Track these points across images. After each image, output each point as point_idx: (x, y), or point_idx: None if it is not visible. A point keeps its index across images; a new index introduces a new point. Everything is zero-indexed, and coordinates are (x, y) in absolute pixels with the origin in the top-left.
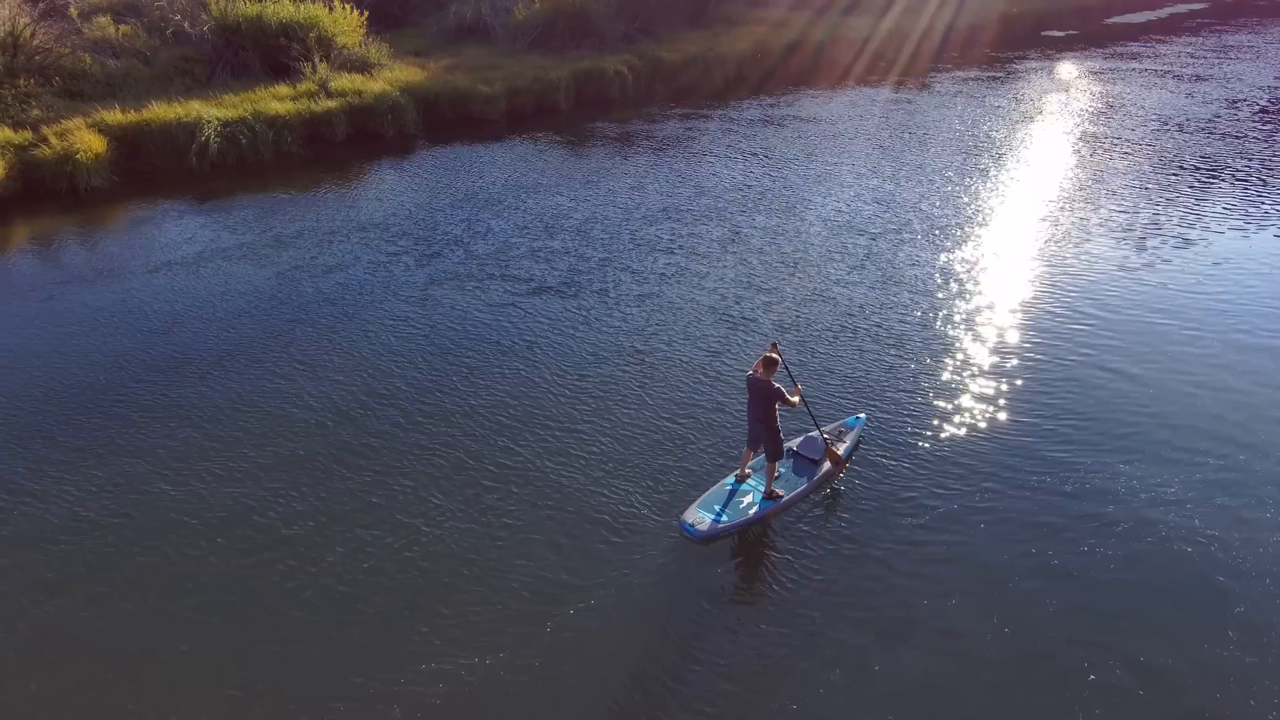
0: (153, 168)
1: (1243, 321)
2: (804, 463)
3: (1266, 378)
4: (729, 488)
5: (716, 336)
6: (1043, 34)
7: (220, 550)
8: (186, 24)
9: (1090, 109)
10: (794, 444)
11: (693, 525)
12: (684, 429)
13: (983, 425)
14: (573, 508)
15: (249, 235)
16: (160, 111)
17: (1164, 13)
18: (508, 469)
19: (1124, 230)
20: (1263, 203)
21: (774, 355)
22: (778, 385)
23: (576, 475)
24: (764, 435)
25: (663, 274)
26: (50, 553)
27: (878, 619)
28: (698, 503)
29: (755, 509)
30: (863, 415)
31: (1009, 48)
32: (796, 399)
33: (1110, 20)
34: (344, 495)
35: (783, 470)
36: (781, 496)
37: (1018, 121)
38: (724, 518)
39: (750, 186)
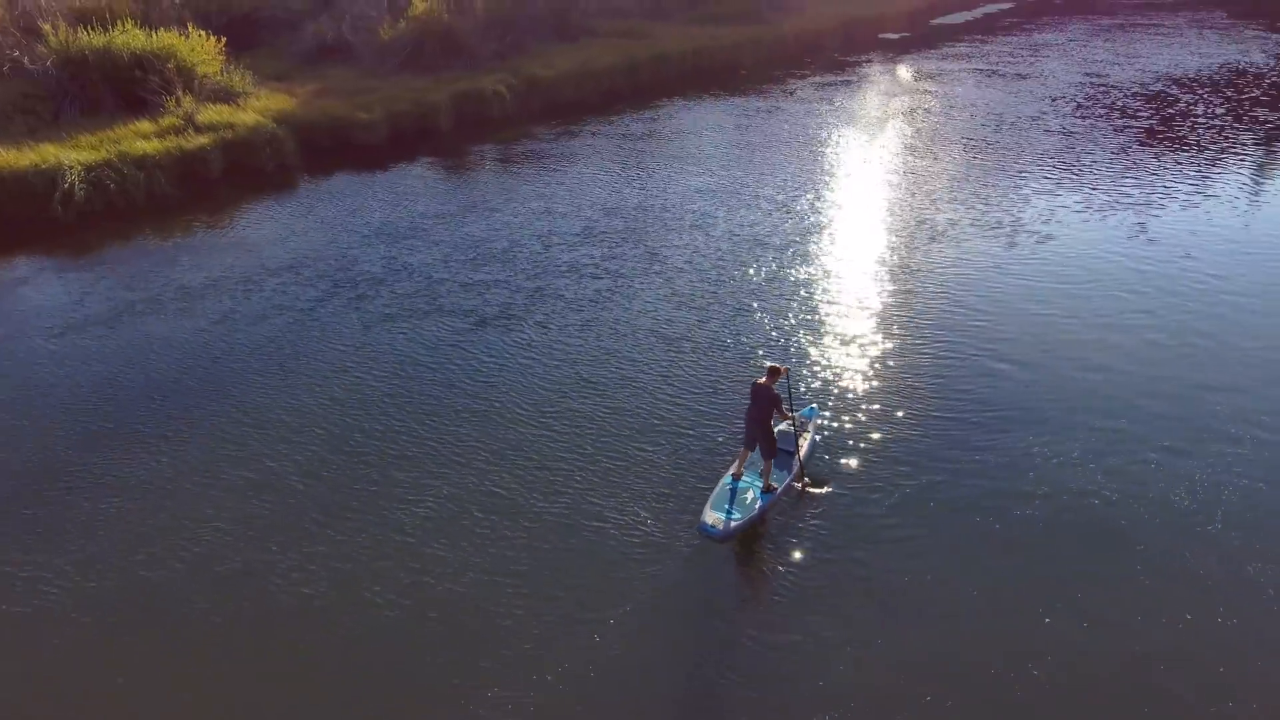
0: (9, 220)
1: (1104, 305)
2: (783, 455)
3: (1131, 353)
4: (729, 487)
5: (662, 359)
6: (880, 36)
7: (223, 626)
8: (25, 59)
9: (939, 110)
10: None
11: (713, 526)
12: (653, 448)
13: (909, 419)
14: (574, 539)
15: (150, 289)
16: (11, 158)
17: (978, 13)
18: (499, 509)
19: (992, 228)
20: (1100, 194)
21: (778, 367)
22: (778, 392)
23: (566, 505)
24: (760, 436)
25: (595, 300)
26: None
27: (871, 604)
28: (709, 504)
29: (759, 503)
30: (814, 405)
31: (854, 51)
32: (789, 417)
33: (935, 21)
34: (340, 555)
35: (751, 456)
36: (775, 489)
37: (876, 125)
38: (735, 515)
39: (654, 203)
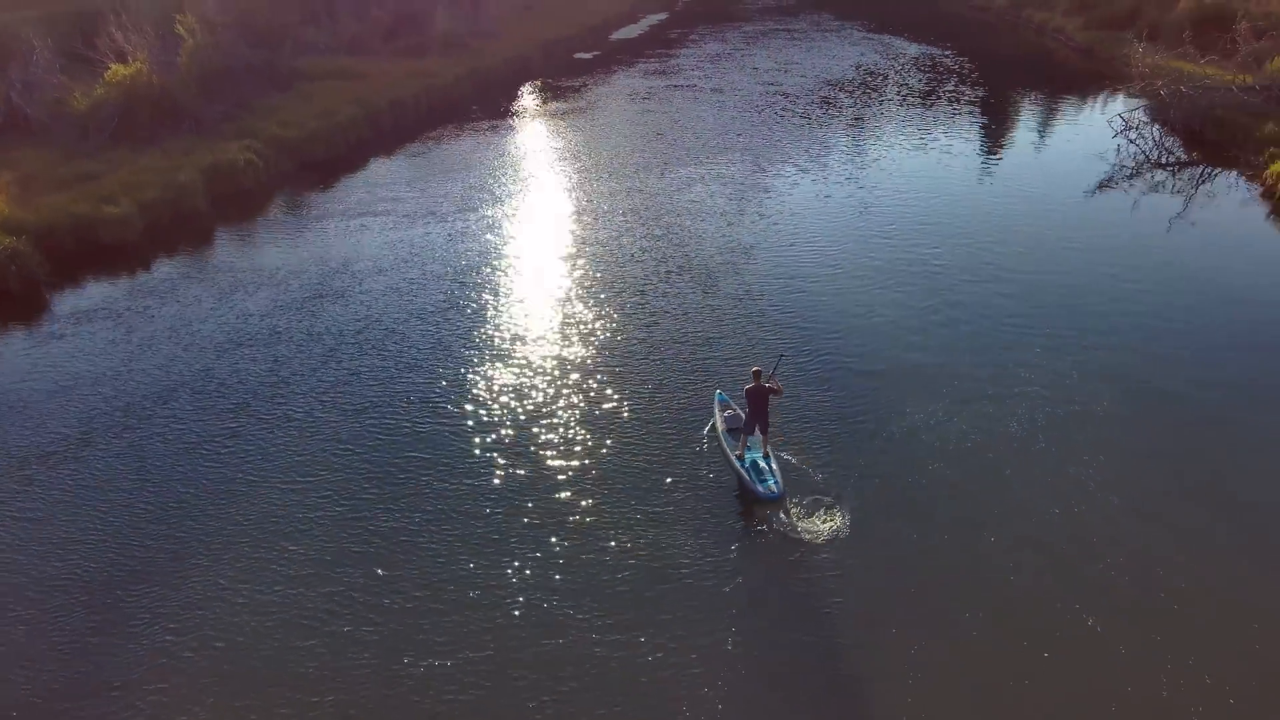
0: None
1: (937, 285)
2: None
3: (972, 327)
4: (750, 461)
5: (573, 414)
6: (575, 56)
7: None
8: None
9: (678, 127)
10: (726, 418)
11: (771, 492)
12: (641, 470)
13: (810, 399)
14: (624, 570)
15: None
16: None
17: (644, 25)
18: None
19: (801, 241)
20: (829, 176)
21: (759, 370)
22: (766, 385)
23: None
24: (761, 422)
25: (503, 390)
26: None
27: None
28: (752, 483)
29: (773, 463)
30: (719, 390)
31: (561, 74)
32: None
33: (614, 36)
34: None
35: (750, 439)
36: (769, 452)
37: (618, 151)
38: (774, 477)
39: (461, 262)
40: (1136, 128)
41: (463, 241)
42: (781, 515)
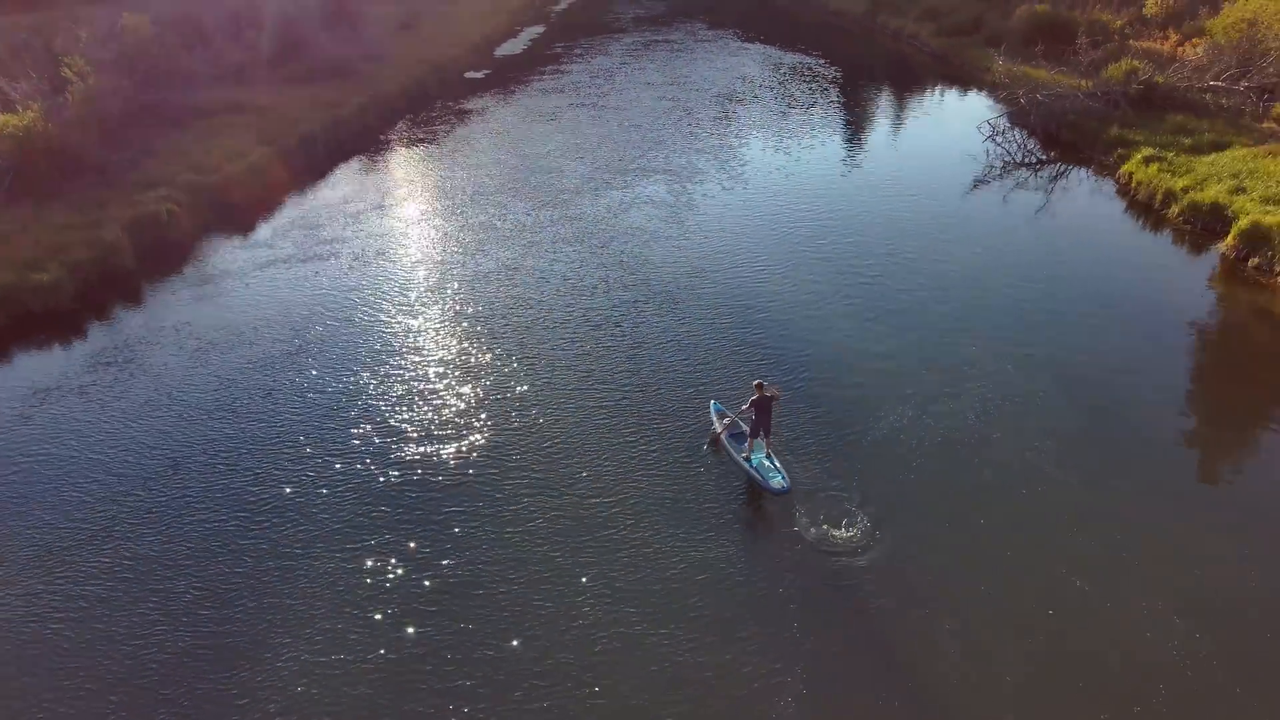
0: None
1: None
2: (742, 433)
3: (915, 332)
4: (758, 461)
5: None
6: (465, 76)
7: None
8: None
9: (582, 144)
10: (726, 425)
11: (782, 487)
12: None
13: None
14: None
15: None
16: None
17: (523, 39)
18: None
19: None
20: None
21: (762, 383)
22: (769, 394)
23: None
24: (765, 427)
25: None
26: None
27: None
28: (763, 480)
29: (775, 460)
30: (713, 400)
31: (457, 95)
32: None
33: (498, 53)
34: None
35: (755, 441)
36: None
37: (535, 182)
38: (781, 473)
39: (412, 308)
40: (1002, 132)
41: (407, 284)
42: (796, 507)
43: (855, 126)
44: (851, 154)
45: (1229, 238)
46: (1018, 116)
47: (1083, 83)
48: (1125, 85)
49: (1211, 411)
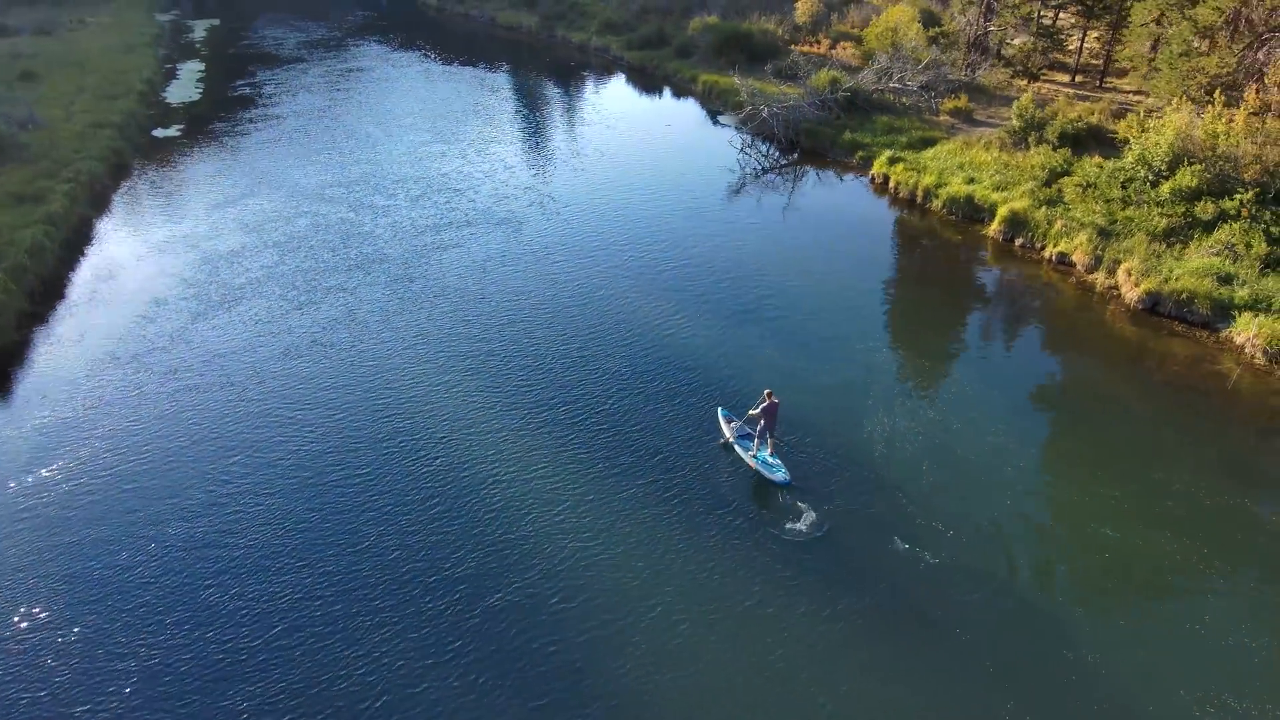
0: None
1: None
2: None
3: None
4: (762, 458)
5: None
6: (157, 135)
7: None
8: None
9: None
10: (731, 429)
11: (785, 478)
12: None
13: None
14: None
15: None
16: None
17: (189, 80)
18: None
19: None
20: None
21: (769, 392)
22: (776, 401)
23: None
24: (770, 429)
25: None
26: None
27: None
28: (769, 474)
29: (776, 457)
30: (720, 407)
31: (165, 162)
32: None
33: (173, 100)
34: None
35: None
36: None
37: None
38: (783, 468)
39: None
40: (752, 144)
41: None
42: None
43: (619, 151)
44: (632, 181)
45: (994, 223)
46: (762, 127)
47: (796, 90)
48: (833, 92)
49: (1023, 355)
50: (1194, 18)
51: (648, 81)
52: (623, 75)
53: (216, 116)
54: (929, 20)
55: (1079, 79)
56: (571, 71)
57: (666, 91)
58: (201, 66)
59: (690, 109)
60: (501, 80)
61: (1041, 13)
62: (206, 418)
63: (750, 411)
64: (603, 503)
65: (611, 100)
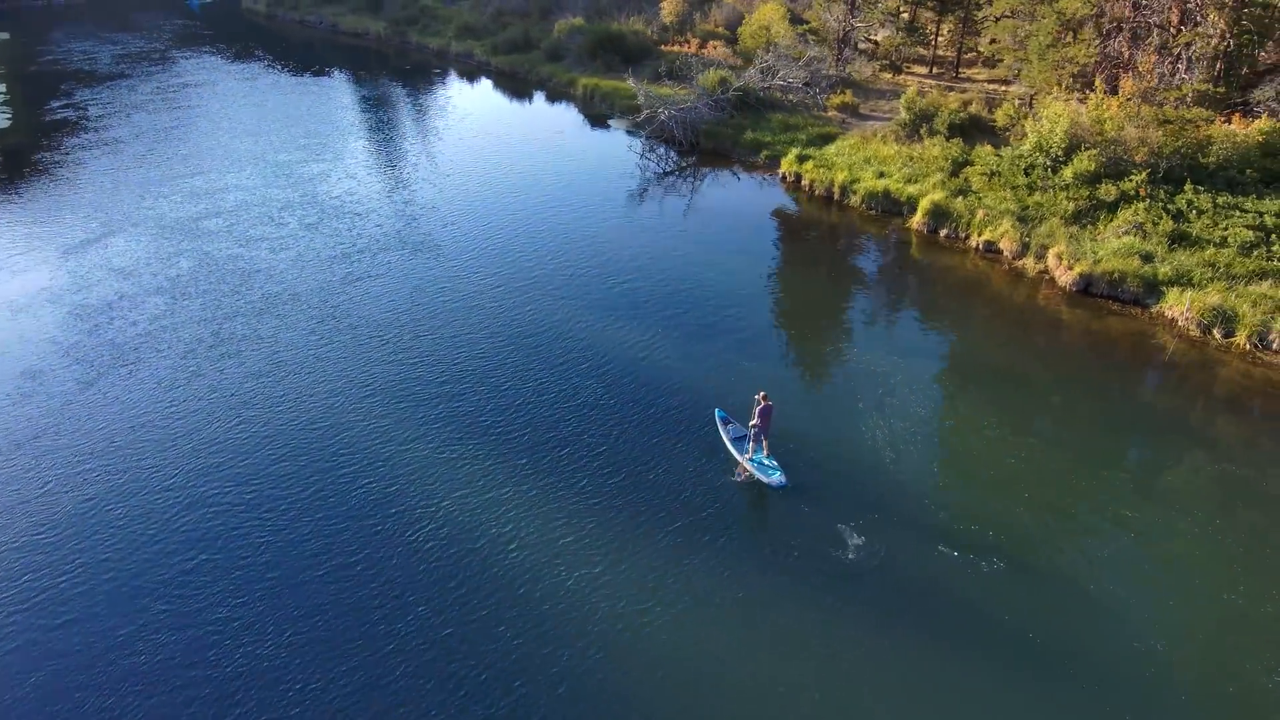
0: None
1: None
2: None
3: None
4: (759, 460)
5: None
6: None
7: None
8: None
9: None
10: (730, 430)
11: (781, 480)
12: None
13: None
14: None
15: None
16: None
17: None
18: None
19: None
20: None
21: (764, 394)
22: (769, 405)
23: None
24: (768, 430)
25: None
26: None
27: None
28: (765, 476)
29: (773, 459)
30: (718, 409)
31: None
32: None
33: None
34: None
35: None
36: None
37: None
38: (778, 468)
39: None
40: (652, 147)
41: None
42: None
43: (522, 164)
44: (530, 192)
45: (918, 216)
46: (662, 130)
47: (686, 91)
48: (724, 92)
49: (971, 342)
50: (1060, 11)
51: (521, 87)
52: (491, 81)
53: (38, 146)
54: (794, 19)
55: (935, 70)
56: (437, 79)
57: (544, 97)
58: (2, 87)
59: (575, 114)
60: (364, 90)
61: (901, 8)
62: (130, 518)
63: (751, 423)
64: (560, 523)
65: (491, 108)
